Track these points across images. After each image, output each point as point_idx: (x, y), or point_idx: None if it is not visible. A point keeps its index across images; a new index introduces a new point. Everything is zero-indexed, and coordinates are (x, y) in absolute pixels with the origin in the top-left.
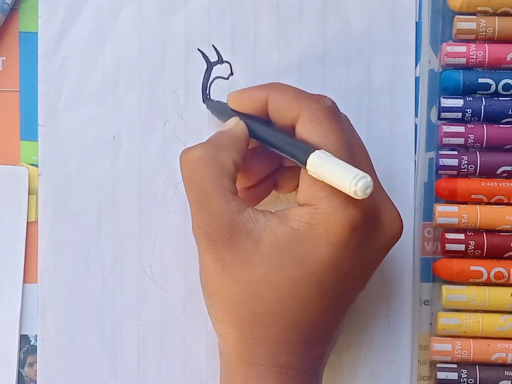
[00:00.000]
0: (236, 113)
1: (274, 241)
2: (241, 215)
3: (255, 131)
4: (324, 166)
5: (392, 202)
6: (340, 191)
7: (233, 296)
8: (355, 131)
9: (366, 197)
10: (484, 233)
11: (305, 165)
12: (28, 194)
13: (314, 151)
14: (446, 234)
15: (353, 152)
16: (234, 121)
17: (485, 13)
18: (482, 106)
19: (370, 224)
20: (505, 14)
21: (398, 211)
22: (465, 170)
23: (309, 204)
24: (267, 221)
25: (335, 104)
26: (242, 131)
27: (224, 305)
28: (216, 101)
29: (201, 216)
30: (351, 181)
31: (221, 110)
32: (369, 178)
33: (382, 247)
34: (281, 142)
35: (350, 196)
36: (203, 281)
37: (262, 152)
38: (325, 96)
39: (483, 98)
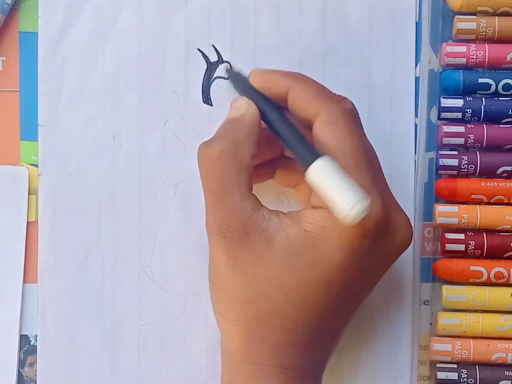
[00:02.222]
0: (254, 91)
1: (287, 242)
2: (256, 214)
3: (268, 117)
4: (327, 177)
5: (402, 209)
6: None
7: (242, 294)
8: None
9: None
10: (484, 233)
11: (306, 168)
12: (28, 194)
13: (316, 159)
14: (446, 234)
15: (368, 158)
16: (244, 105)
17: (485, 13)
18: (482, 106)
19: (381, 230)
20: (505, 14)
21: (408, 218)
22: (465, 170)
23: (323, 207)
24: (280, 222)
25: (355, 107)
26: (255, 118)
27: (232, 302)
28: (238, 71)
29: (217, 212)
30: (350, 201)
31: (240, 82)
32: (367, 202)
33: (392, 253)
34: (290, 138)
35: None
36: (212, 277)
37: (266, 136)
38: (346, 98)
39: (483, 98)
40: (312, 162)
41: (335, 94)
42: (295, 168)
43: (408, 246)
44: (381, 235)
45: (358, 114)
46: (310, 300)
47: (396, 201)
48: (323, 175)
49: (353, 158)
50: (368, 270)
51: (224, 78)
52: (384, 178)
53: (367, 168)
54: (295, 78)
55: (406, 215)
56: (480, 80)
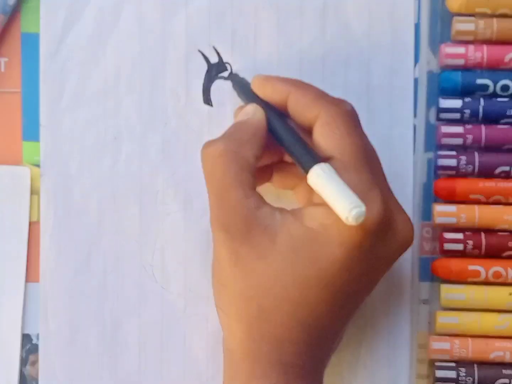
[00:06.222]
0: (256, 97)
1: (289, 238)
2: (259, 211)
3: (269, 123)
4: (324, 183)
5: (403, 209)
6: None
7: (244, 290)
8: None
9: (356, 224)
10: (482, 233)
11: (307, 173)
12: (30, 194)
13: (318, 163)
14: (444, 234)
15: (368, 158)
16: (252, 110)
17: (484, 15)
18: (481, 107)
19: (382, 229)
20: (503, 15)
21: (409, 219)
22: (464, 170)
23: (324, 205)
24: (283, 218)
25: (354, 109)
26: (261, 122)
27: (234, 298)
28: (242, 78)
29: (220, 209)
30: (346, 207)
31: (243, 88)
32: (363, 208)
33: (393, 253)
34: (291, 143)
35: (364, 199)
36: (215, 273)
37: (267, 141)
38: (345, 100)
39: (482, 99)
40: (310, 168)
41: (334, 97)
42: (292, 171)
43: (409, 246)
44: (382, 234)
45: (357, 116)
46: (311, 298)
47: (398, 202)
48: (320, 181)
49: (352, 159)
50: (368, 269)
51: (224, 78)
52: (385, 179)
53: (367, 168)
54: (294, 84)
55: (408, 216)
56: (479, 81)
